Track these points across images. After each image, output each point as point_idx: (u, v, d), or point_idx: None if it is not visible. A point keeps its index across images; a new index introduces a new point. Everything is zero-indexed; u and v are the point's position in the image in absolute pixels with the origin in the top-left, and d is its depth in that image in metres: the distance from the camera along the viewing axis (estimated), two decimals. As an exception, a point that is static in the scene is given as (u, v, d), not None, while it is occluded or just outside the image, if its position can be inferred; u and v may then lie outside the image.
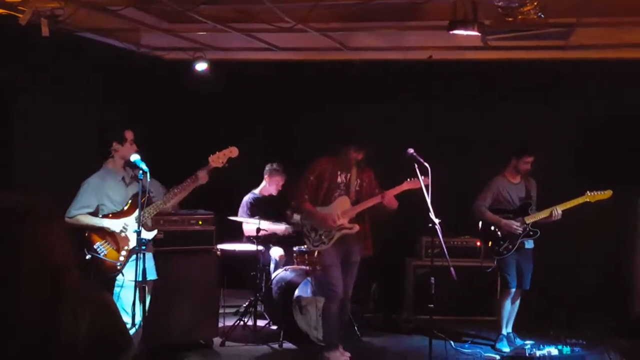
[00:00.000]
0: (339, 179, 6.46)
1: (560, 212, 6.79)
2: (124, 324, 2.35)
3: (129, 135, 5.56)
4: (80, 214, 5.33)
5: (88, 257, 5.25)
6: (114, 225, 5.34)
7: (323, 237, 6.41)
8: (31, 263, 2.08)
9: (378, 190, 6.51)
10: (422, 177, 5.92)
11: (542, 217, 6.88)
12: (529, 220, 6.92)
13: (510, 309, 7.11)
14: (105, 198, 5.42)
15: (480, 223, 7.14)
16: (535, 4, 6.01)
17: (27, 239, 2.11)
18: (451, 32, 6.09)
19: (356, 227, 6.40)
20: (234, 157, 5.67)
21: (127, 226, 5.35)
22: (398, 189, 6.36)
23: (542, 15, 6.15)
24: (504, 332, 7.09)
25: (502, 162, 7.22)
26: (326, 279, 6.47)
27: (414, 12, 6.89)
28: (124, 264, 5.36)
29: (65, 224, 5.23)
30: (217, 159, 5.60)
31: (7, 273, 2.07)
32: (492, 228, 7.03)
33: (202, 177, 5.54)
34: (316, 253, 6.62)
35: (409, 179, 6.22)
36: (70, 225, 5.25)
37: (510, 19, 6.13)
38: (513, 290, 6.99)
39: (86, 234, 5.35)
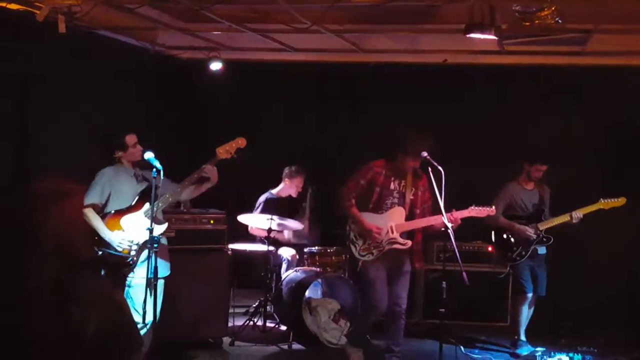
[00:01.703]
0: (392, 186, 6.13)
1: (580, 215, 6.73)
2: (135, 324, 2.34)
3: (131, 139, 5.58)
4: (94, 202, 5.34)
5: (100, 252, 5.26)
6: (113, 238, 5.32)
7: (372, 248, 6.10)
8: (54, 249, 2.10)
9: (430, 201, 6.16)
10: (438, 188, 5.69)
11: (558, 223, 6.83)
12: (543, 226, 6.88)
13: (527, 314, 7.05)
14: (116, 190, 5.45)
15: (494, 229, 7.10)
16: (553, 9, 5.99)
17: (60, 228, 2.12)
18: (468, 35, 6.07)
19: (409, 243, 6.11)
20: (243, 148, 5.59)
21: (130, 227, 5.37)
22: (464, 214, 5.97)
23: (560, 21, 6.13)
24: (523, 337, 7.02)
25: (516, 167, 7.18)
26: (370, 294, 6.14)
27: (429, 14, 6.88)
28: (137, 258, 5.36)
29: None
30: (225, 150, 5.54)
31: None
32: (505, 234, 7.00)
33: (209, 171, 5.49)
34: (360, 263, 6.19)
35: (474, 206, 5.98)
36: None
37: (527, 24, 6.11)
38: (530, 295, 6.94)
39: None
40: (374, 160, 6.20)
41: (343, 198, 6.15)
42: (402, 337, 6.30)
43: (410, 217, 6.15)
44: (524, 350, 6.96)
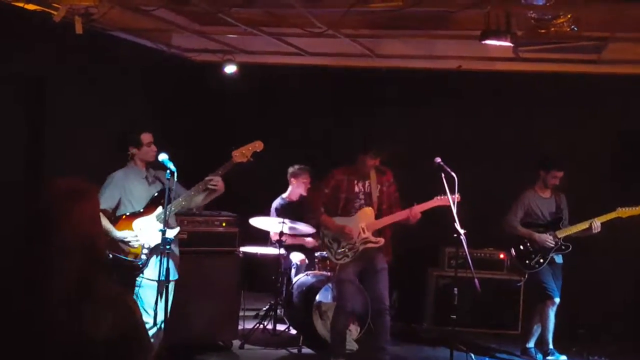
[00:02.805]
0: (356, 189, 6.32)
1: (599, 224, 6.70)
2: (145, 326, 2.34)
3: (146, 138, 5.58)
4: (102, 208, 5.35)
5: (110, 255, 5.27)
6: (124, 235, 5.34)
7: (347, 250, 6.27)
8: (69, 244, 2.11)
9: (397, 194, 6.39)
10: (451, 194, 5.73)
11: (576, 231, 6.80)
12: (561, 234, 6.84)
13: (554, 320, 6.93)
14: (127, 193, 5.46)
15: (512, 237, 7.06)
16: (569, 16, 5.98)
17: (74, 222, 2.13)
18: (483, 42, 6.06)
19: (381, 241, 6.28)
20: (259, 151, 5.51)
21: (141, 230, 5.38)
22: (426, 205, 6.14)
23: (576, 29, 6.11)
24: (549, 346, 6.93)
25: (530, 175, 7.15)
26: (338, 293, 6.53)
27: (445, 20, 6.88)
28: (146, 262, 5.37)
29: None
30: (241, 154, 5.46)
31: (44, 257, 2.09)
32: (524, 242, 6.96)
33: (216, 182, 5.41)
34: (338, 267, 6.41)
35: (439, 196, 6.04)
36: None
37: (543, 31, 6.10)
38: (557, 299, 6.84)
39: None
40: (335, 169, 6.39)
41: (311, 208, 6.45)
42: (388, 335, 6.37)
43: (379, 214, 6.32)
44: (557, 357, 6.89)
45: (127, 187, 5.49)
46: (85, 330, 2.07)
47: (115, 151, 5.76)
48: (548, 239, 6.82)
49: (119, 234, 5.33)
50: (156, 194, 5.51)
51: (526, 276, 7.05)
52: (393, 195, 6.41)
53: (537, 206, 7.01)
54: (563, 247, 6.85)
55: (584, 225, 6.77)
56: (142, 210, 5.47)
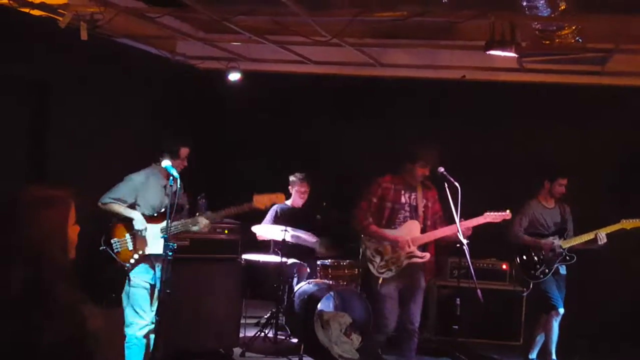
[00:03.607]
0: (403, 199, 6.05)
1: (604, 235, 6.66)
2: (96, 343, 2.34)
3: (184, 152, 5.58)
4: (113, 203, 5.39)
5: (102, 248, 5.32)
6: (139, 221, 5.37)
7: (390, 264, 6.01)
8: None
9: (440, 212, 6.14)
10: (454, 204, 5.68)
11: (581, 242, 6.79)
12: (565, 245, 6.83)
13: (558, 331, 6.89)
14: (143, 198, 5.47)
15: (516, 247, 7.05)
16: (574, 28, 5.99)
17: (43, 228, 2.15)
18: (488, 52, 6.07)
19: (427, 256, 6.01)
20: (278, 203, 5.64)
21: (147, 229, 5.39)
22: (476, 221, 5.96)
23: (580, 40, 6.13)
24: (552, 356, 6.89)
25: (532, 185, 7.15)
26: (379, 310, 6.12)
27: (450, 31, 6.90)
28: (132, 268, 5.39)
29: (96, 207, 5.40)
30: (262, 201, 5.56)
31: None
32: (528, 252, 6.95)
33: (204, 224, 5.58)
34: (380, 280, 6.04)
35: (488, 212, 5.95)
36: (101, 210, 5.37)
37: (547, 42, 6.12)
38: (561, 310, 6.81)
39: (110, 225, 5.40)
40: (381, 177, 6.14)
41: (359, 219, 6.07)
42: (414, 357, 6.19)
43: (423, 229, 6.09)
44: None
45: (145, 192, 5.51)
46: (30, 333, 2.09)
47: (152, 149, 5.77)
48: (555, 243, 6.80)
49: (135, 215, 5.40)
50: (172, 206, 5.50)
51: (531, 286, 7.03)
52: (437, 214, 6.17)
53: (542, 216, 7.00)
54: (567, 258, 6.84)
55: (588, 236, 6.75)
56: (152, 216, 5.49)
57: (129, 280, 5.40)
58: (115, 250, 5.37)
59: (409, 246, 5.96)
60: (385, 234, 6.01)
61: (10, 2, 5.78)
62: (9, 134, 6.20)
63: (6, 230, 2.18)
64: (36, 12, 6.13)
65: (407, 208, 6.07)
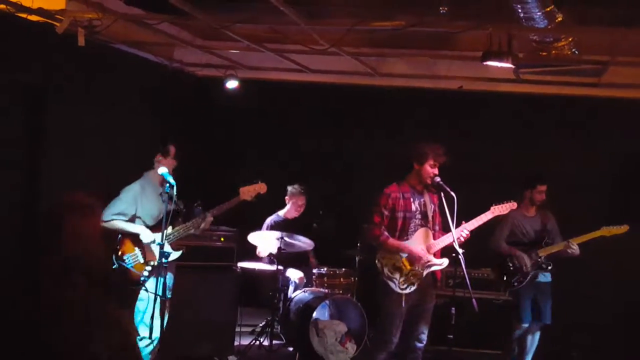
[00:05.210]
0: (413, 207, 5.85)
1: (575, 246, 6.68)
2: (139, 351, 2.34)
3: (172, 149, 5.73)
4: (116, 219, 5.40)
5: (115, 266, 5.31)
6: (146, 235, 5.39)
7: (411, 277, 5.80)
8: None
9: (440, 217, 5.93)
10: (450, 214, 5.56)
11: (557, 250, 6.80)
12: (542, 253, 6.84)
13: (529, 343, 6.97)
14: (142, 209, 5.49)
15: (496, 256, 7.08)
16: (570, 40, 6.02)
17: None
18: (485, 63, 6.09)
19: (446, 262, 5.81)
20: (263, 194, 5.90)
21: (156, 240, 5.40)
22: (485, 217, 5.86)
23: (577, 52, 6.16)
24: None
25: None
26: (386, 327, 5.83)
27: (447, 41, 6.93)
28: (147, 278, 5.40)
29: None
30: (248, 193, 5.84)
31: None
32: (505, 261, 6.98)
33: (207, 223, 5.76)
34: (404, 297, 5.80)
35: (494, 205, 5.88)
36: (105, 228, 5.37)
37: (544, 54, 6.14)
38: (525, 325, 6.86)
39: (118, 243, 5.41)
40: (386, 187, 5.94)
41: (375, 234, 5.82)
42: None
43: (433, 235, 5.93)
44: None
45: (143, 201, 5.55)
46: (92, 351, 2.06)
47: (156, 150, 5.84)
48: (525, 259, 6.82)
49: (141, 229, 5.47)
50: (171, 214, 5.52)
51: (507, 294, 7.05)
52: (438, 218, 5.97)
53: (522, 224, 7.03)
54: (543, 266, 6.84)
55: (560, 246, 6.76)
56: (152, 226, 5.51)
57: (147, 290, 5.42)
58: (130, 265, 5.40)
59: (425, 255, 5.83)
60: (404, 246, 5.81)
61: (8, 7, 5.79)
62: (5, 139, 6.19)
63: (48, 236, 2.16)
64: (34, 18, 6.13)
65: (418, 215, 5.88)
